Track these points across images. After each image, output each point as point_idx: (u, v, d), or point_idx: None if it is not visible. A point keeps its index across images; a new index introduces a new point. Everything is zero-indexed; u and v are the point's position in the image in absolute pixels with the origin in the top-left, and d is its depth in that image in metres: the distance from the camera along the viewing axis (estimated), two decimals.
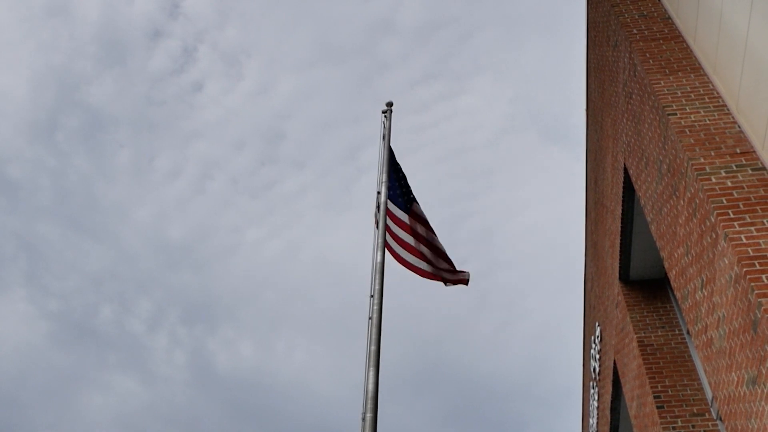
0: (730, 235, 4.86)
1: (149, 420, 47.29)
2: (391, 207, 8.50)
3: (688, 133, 5.88)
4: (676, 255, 6.24)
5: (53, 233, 48.51)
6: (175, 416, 48.26)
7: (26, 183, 47.70)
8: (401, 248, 8.36)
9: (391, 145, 8.90)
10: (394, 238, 8.36)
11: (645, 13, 7.85)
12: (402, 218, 8.54)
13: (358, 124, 54.41)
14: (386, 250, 8.14)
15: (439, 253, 8.48)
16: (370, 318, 6.53)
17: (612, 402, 10.64)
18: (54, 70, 47.80)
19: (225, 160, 55.30)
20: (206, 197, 54.76)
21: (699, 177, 5.41)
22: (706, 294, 5.46)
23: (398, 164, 8.87)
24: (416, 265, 8.35)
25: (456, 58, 56.51)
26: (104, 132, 50.59)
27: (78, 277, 50.07)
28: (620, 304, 9.51)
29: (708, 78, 6.58)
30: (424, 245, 8.45)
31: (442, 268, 8.46)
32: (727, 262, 4.89)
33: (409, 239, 8.42)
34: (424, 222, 8.59)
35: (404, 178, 8.87)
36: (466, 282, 8.52)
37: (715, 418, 7.56)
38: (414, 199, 8.70)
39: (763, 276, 4.53)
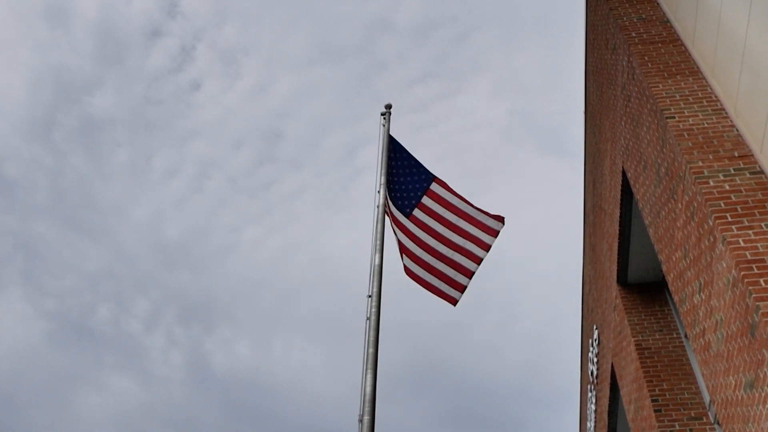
0: (728, 239, 4.85)
1: (146, 420, 47.22)
2: (394, 211, 8.38)
3: (686, 136, 5.88)
4: (674, 258, 6.23)
5: (50, 232, 48.46)
6: (173, 416, 48.20)
7: (23, 182, 47.62)
8: (401, 253, 8.24)
9: (392, 143, 8.81)
10: (398, 243, 8.27)
11: (644, 16, 7.86)
12: (404, 223, 8.39)
13: (356, 124, 54.40)
14: (402, 253, 8.03)
15: (447, 260, 8.09)
16: (368, 319, 6.50)
17: (609, 405, 10.63)
18: (52, 69, 47.75)
19: (223, 159, 55.26)
20: (204, 197, 54.70)
21: (697, 180, 5.41)
22: (703, 297, 5.45)
23: (402, 163, 8.71)
24: (415, 272, 8.14)
25: (454, 58, 56.53)
26: (102, 131, 50.51)
27: (75, 277, 50.01)
28: (618, 307, 9.50)
29: (706, 81, 6.58)
30: (428, 252, 8.20)
31: (445, 278, 8.13)
32: (724, 265, 4.89)
33: (410, 245, 8.25)
34: (427, 228, 8.33)
35: (410, 175, 8.67)
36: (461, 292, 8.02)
37: (712, 422, 7.56)
38: (415, 205, 8.46)
39: (761, 279, 4.53)
